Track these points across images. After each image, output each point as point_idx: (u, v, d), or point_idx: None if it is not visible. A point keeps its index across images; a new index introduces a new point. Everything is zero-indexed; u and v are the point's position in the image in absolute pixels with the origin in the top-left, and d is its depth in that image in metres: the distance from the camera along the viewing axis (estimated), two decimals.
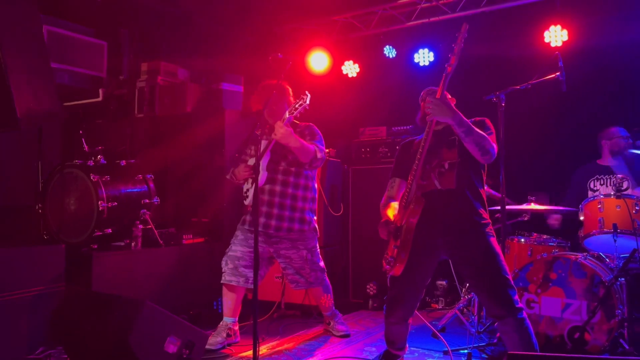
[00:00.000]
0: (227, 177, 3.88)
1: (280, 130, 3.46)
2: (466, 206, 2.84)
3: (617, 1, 4.61)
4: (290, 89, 3.79)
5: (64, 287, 3.51)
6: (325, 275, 3.90)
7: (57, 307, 3.21)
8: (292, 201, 3.70)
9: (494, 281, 2.72)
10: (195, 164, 4.93)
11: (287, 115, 3.51)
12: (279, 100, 3.68)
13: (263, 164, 3.63)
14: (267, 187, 3.69)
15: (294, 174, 3.71)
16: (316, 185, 3.91)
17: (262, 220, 3.67)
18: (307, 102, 3.50)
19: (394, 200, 2.99)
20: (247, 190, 3.74)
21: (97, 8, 5.29)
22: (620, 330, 3.25)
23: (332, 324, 4.00)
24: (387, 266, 2.85)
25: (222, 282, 3.72)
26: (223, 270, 3.72)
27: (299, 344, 3.76)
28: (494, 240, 2.82)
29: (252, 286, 3.67)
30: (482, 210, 2.87)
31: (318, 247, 3.86)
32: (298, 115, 3.55)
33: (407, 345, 3.22)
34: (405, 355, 3.35)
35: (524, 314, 2.73)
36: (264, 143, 3.65)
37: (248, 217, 3.78)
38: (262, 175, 3.63)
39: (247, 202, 3.73)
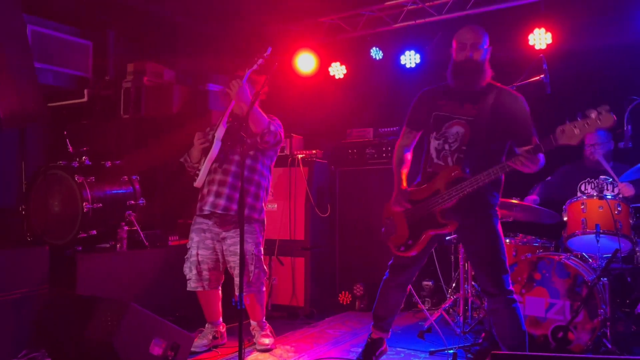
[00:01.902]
0: (181, 159, 3.79)
1: (236, 87, 3.37)
2: (479, 191, 2.82)
3: (599, 5, 4.68)
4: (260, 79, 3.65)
5: (48, 290, 3.47)
6: (265, 281, 3.68)
7: (41, 310, 3.17)
8: (246, 185, 3.56)
9: (491, 261, 2.83)
10: (182, 165, 4.90)
11: (247, 70, 3.40)
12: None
13: (218, 135, 3.52)
14: (221, 166, 3.60)
15: (251, 157, 3.61)
16: (271, 178, 3.79)
17: (210, 199, 3.56)
18: (267, 53, 3.32)
19: (408, 150, 3.08)
20: (199, 170, 3.63)
21: (82, 8, 5.25)
22: (603, 329, 3.29)
23: (256, 336, 3.72)
24: (399, 251, 2.95)
25: (188, 289, 3.62)
26: (187, 277, 3.62)
27: (285, 345, 3.76)
28: (498, 223, 2.90)
29: (214, 288, 3.66)
30: (494, 194, 2.92)
31: (263, 244, 3.71)
32: (258, 67, 3.41)
33: (390, 332, 3.22)
34: (391, 356, 3.37)
35: (514, 297, 2.84)
36: (222, 122, 3.55)
37: (199, 204, 3.66)
38: (215, 145, 3.51)
39: (195, 183, 3.62)
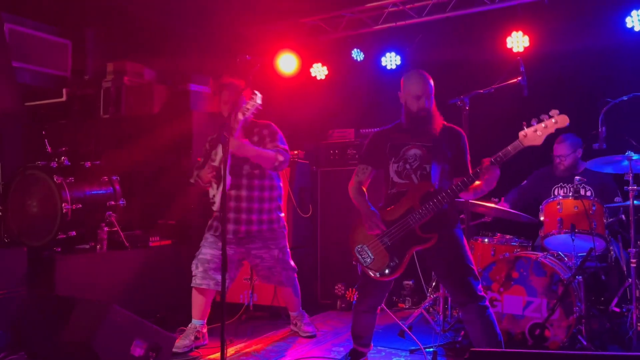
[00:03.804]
0: (191, 180, 3.83)
1: (234, 144, 3.41)
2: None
3: (575, 9, 4.77)
4: (243, 87, 3.68)
5: (26, 291, 3.43)
6: (296, 275, 3.91)
7: (19, 312, 3.13)
8: (260, 204, 3.70)
9: (458, 270, 2.87)
10: (162, 166, 4.88)
11: (240, 117, 3.43)
12: (235, 99, 3.60)
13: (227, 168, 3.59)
14: (232, 192, 3.66)
15: (258, 176, 3.69)
16: (281, 183, 3.89)
17: (231, 227, 3.65)
18: (259, 101, 3.41)
19: (363, 185, 3.14)
20: (214, 195, 3.70)
21: (61, 6, 5.19)
22: (579, 326, 3.37)
23: (298, 324, 4.01)
24: (384, 275, 2.95)
25: (192, 285, 3.68)
26: (193, 273, 3.69)
27: (267, 345, 3.77)
28: (460, 233, 2.98)
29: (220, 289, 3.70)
30: (453, 208, 3.04)
31: (288, 246, 3.86)
32: (251, 116, 3.49)
33: (372, 344, 3.28)
34: (372, 355, 3.40)
35: (487, 303, 2.88)
36: (222, 148, 3.58)
37: (215, 223, 3.73)
38: (227, 180, 3.59)
39: (214, 207, 3.71)
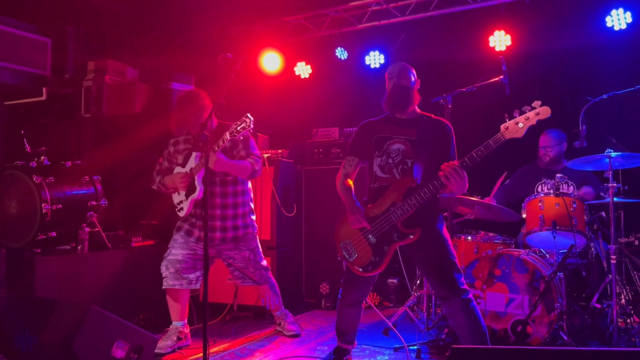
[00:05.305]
0: (153, 187, 3.79)
1: (212, 160, 3.36)
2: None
3: (557, 9, 4.82)
4: (204, 96, 3.64)
5: (5, 293, 3.37)
6: (270, 274, 3.91)
7: None
8: (234, 210, 3.68)
9: (440, 264, 2.89)
10: (145, 165, 4.82)
11: (227, 136, 3.34)
12: (199, 111, 3.58)
13: (198, 178, 3.56)
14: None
15: (231, 182, 3.67)
16: (250, 185, 3.85)
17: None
18: (251, 125, 3.28)
19: (350, 177, 3.14)
20: (181, 202, 3.67)
21: (41, 4, 5.12)
22: (560, 322, 3.40)
23: (282, 324, 4.01)
24: (367, 271, 2.96)
25: (164, 287, 3.64)
26: (164, 275, 3.64)
27: (251, 345, 3.75)
28: (443, 227, 3.00)
29: (195, 287, 3.68)
30: (436, 203, 3.05)
31: (260, 246, 3.85)
32: (241, 137, 3.44)
33: (356, 342, 3.29)
34: (356, 353, 3.41)
35: (470, 296, 2.89)
36: (195, 156, 3.57)
37: (186, 226, 3.68)
38: (199, 190, 3.57)
39: (182, 214, 3.68)
